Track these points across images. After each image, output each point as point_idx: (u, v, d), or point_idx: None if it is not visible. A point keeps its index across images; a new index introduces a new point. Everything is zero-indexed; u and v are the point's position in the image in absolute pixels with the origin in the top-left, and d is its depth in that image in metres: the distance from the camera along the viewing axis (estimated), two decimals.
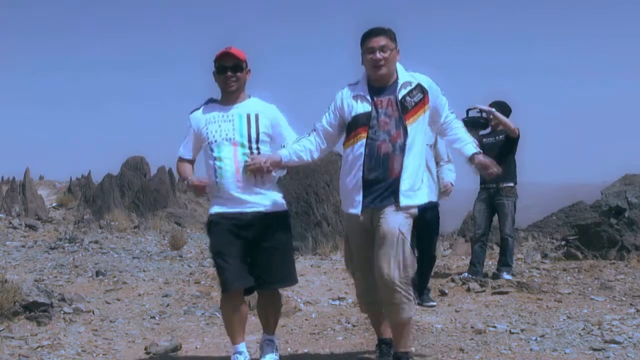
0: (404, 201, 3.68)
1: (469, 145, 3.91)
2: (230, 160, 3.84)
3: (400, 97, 3.74)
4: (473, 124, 7.04)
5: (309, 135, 3.94)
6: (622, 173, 9.44)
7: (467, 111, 7.08)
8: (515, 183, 7.13)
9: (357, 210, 3.74)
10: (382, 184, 3.70)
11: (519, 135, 7.04)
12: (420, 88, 3.79)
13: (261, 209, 3.85)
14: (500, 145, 7.10)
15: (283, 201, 4.00)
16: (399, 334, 3.81)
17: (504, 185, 7.08)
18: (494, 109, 6.90)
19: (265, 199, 3.88)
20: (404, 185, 3.68)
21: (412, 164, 3.71)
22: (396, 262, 3.60)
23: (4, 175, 27.46)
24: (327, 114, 3.92)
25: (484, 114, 6.91)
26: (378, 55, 3.72)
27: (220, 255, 3.83)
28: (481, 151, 3.91)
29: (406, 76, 3.82)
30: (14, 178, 23.36)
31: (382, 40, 3.75)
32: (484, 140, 7.18)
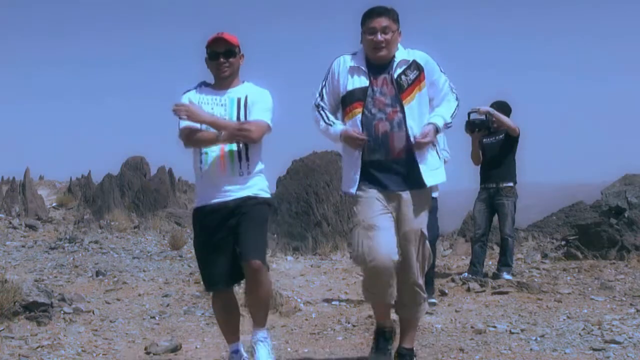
0: (429, 180, 3.60)
1: (435, 117, 3.67)
2: (217, 147, 3.70)
3: (395, 75, 3.60)
4: (480, 126, 7.06)
5: (324, 114, 3.74)
6: (622, 173, 9.46)
7: (469, 114, 7.10)
8: (515, 183, 7.14)
9: (353, 189, 3.60)
10: (388, 167, 3.57)
11: (519, 135, 7.06)
12: (415, 65, 3.64)
13: (244, 195, 3.69)
14: (500, 145, 7.11)
15: (268, 191, 3.85)
16: (407, 329, 3.78)
17: (504, 185, 7.09)
18: (492, 109, 6.93)
19: (249, 188, 3.71)
20: (422, 165, 3.58)
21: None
22: (418, 263, 3.61)
23: (4, 175, 27.44)
24: (324, 88, 3.76)
25: (487, 116, 6.94)
26: (379, 37, 3.56)
27: (203, 254, 3.77)
28: (437, 125, 3.64)
29: (403, 54, 3.66)
30: (14, 178, 23.35)
31: (384, 21, 3.58)
32: (484, 140, 7.19)
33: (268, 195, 3.85)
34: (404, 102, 3.57)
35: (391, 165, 3.58)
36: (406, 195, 3.58)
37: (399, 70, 3.60)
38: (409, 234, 3.55)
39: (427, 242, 3.64)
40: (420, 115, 3.63)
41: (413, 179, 3.59)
